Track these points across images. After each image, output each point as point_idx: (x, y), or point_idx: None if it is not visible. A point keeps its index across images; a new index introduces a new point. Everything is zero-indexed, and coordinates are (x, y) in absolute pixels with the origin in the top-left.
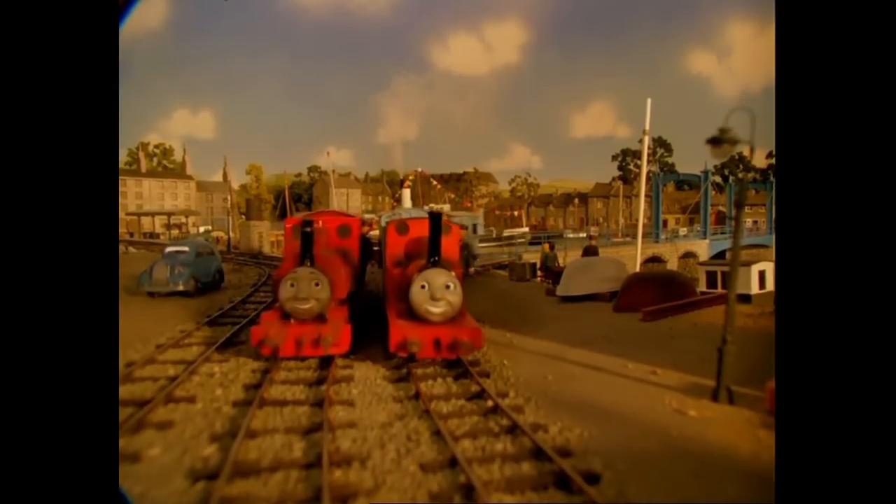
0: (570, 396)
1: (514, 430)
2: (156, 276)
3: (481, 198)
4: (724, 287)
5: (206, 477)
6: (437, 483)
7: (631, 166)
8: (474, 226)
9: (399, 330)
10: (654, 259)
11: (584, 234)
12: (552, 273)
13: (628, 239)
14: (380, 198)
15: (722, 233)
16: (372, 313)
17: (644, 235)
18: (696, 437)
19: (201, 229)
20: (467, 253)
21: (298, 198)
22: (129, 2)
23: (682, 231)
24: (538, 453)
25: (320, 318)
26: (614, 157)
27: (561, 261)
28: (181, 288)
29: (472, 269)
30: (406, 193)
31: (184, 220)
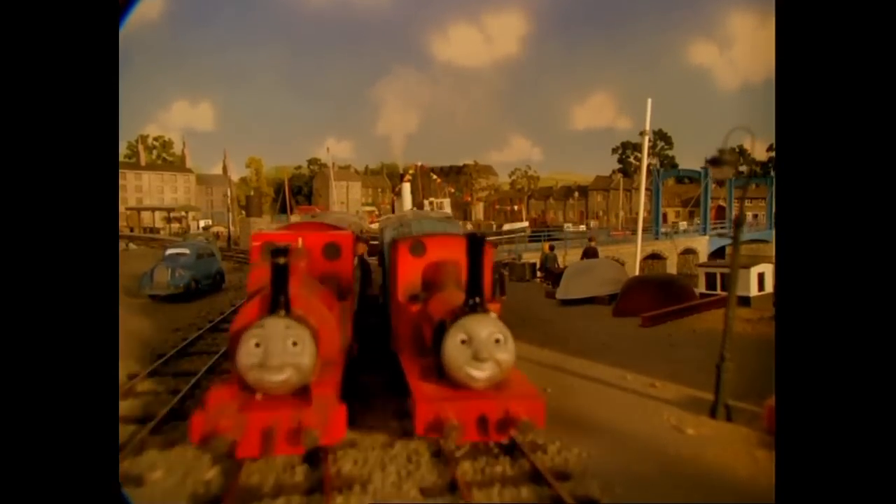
0: (569, 412)
1: (512, 450)
2: (157, 279)
3: (481, 190)
4: (723, 289)
5: None
6: None
7: (631, 159)
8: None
9: (428, 406)
10: (654, 256)
11: (584, 227)
12: (552, 274)
13: (628, 233)
14: (380, 190)
15: (722, 227)
16: (375, 332)
17: (644, 230)
18: (694, 457)
19: (201, 223)
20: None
21: (298, 190)
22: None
23: (683, 225)
24: (537, 476)
25: (301, 393)
26: (614, 150)
27: (561, 261)
28: (182, 290)
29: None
30: (406, 188)
31: (184, 214)
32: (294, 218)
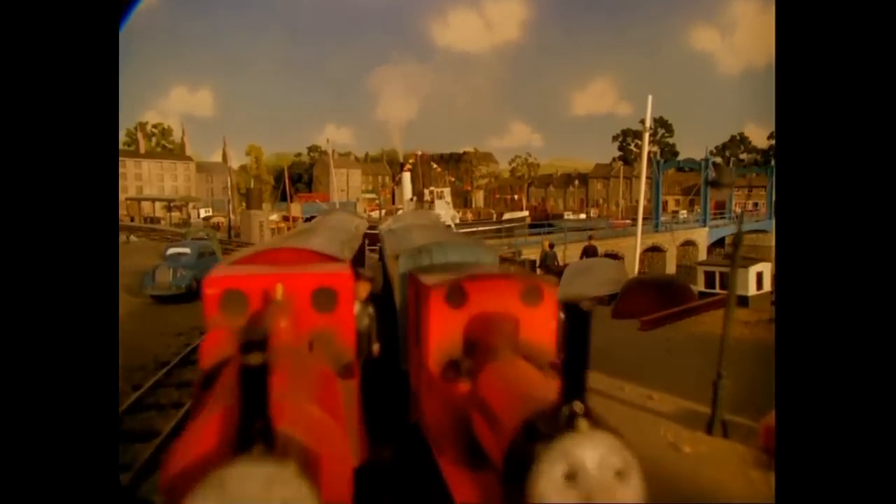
0: None
1: None
2: (158, 279)
3: (481, 178)
4: (722, 287)
5: None
6: None
7: (632, 147)
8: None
9: None
10: (654, 248)
11: (584, 216)
12: (552, 273)
13: (628, 222)
14: (380, 177)
15: (721, 217)
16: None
17: (644, 220)
18: (690, 476)
19: (202, 212)
20: None
21: (299, 178)
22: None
23: (683, 214)
24: None
25: None
26: (615, 138)
27: (560, 257)
28: (184, 291)
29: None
30: (406, 177)
31: (184, 203)
32: (294, 207)
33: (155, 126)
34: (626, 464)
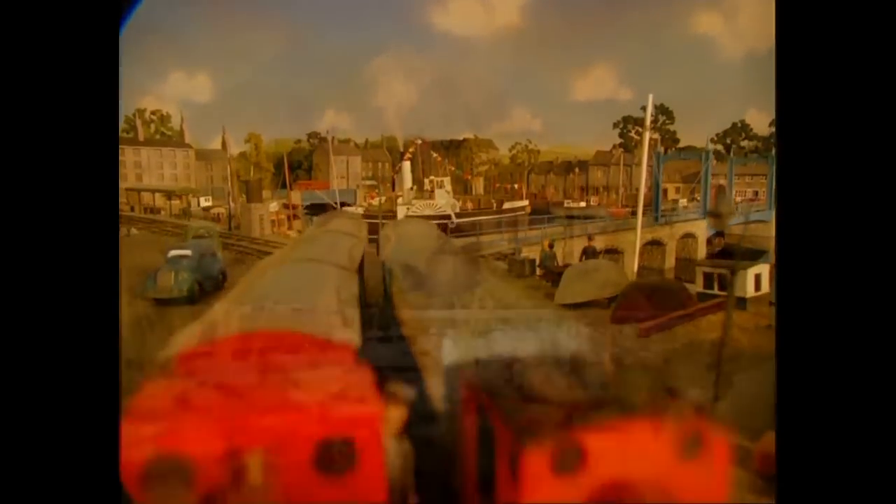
0: None
1: None
2: (160, 282)
3: (481, 164)
4: (721, 288)
5: None
6: None
7: (632, 134)
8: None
9: None
10: (654, 242)
11: (584, 204)
12: (551, 274)
13: (627, 210)
14: (380, 164)
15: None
16: None
17: (645, 206)
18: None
19: (202, 201)
20: None
21: (298, 165)
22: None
23: (683, 202)
24: None
25: None
26: (615, 125)
27: (560, 255)
28: (186, 294)
29: None
30: (406, 166)
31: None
32: (294, 195)
33: (153, 113)
34: None
